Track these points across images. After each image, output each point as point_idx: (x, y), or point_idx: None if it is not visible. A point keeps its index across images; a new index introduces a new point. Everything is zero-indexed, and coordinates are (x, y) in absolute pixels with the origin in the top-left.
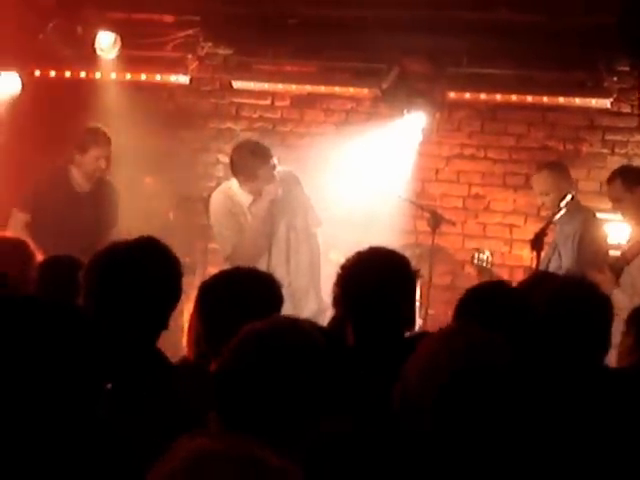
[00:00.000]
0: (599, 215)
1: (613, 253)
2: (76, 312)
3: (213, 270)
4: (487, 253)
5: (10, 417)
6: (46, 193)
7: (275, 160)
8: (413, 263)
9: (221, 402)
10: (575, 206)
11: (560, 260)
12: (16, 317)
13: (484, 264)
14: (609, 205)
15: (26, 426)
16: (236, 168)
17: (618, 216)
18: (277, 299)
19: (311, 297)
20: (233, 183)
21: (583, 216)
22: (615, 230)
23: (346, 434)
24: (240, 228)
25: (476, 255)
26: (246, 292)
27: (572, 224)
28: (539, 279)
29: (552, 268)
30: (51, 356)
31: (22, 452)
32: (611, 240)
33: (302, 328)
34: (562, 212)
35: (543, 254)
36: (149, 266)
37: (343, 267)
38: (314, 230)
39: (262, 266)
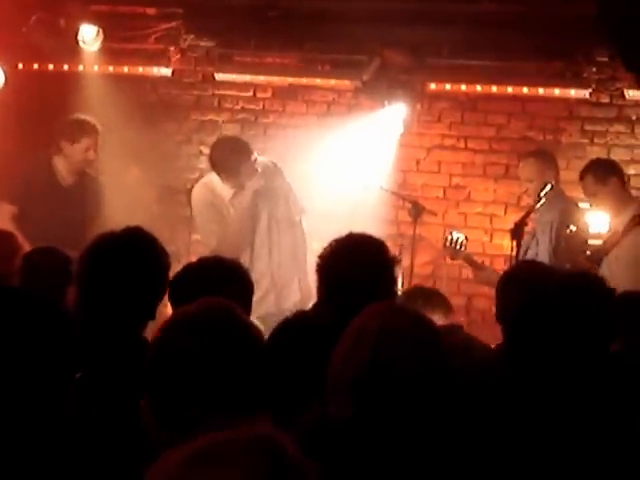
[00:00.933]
0: (580, 205)
1: (594, 242)
2: (45, 301)
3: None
4: (460, 236)
5: None
6: (32, 185)
7: (255, 154)
8: (391, 249)
9: (149, 385)
10: (556, 195)
11: (537, 248)
12: None
13: (457, 245)
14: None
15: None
16: (217, 166)
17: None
18: (245, 285)
19: (294, 287)
20: (214, 176)
21: (563, 205)
22: (595, 219)
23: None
24: (223, 221)
25: (449, 238)
26: (213, 281)
27: (551, 213)
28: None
29: (529, 256)
30: (17, 344)
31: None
32: (592, 230)
33: (226, 308)
34: (542, 201)
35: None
36: (137, 257)
37: (321, 255)
38: (297, 218)
39: (244, 258)
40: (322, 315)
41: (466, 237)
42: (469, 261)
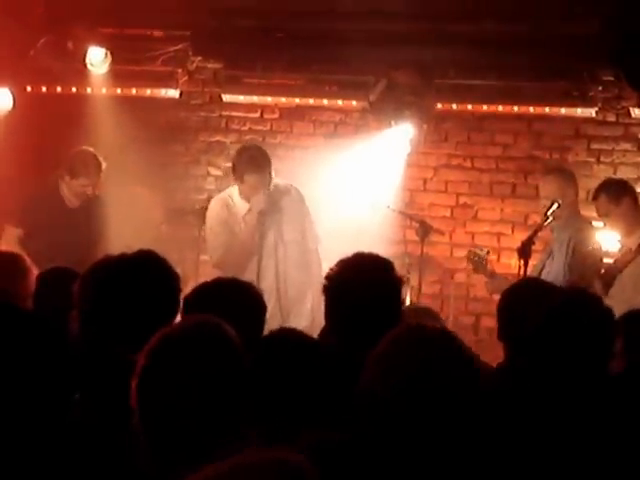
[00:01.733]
0: (594, 223)
1: (605, 261)
2: (46, 323)
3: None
4: (485, 250)
5: None
6: (38, 208)
7: (270, 174)
8: (398, 268)
9: (141, 405)
10: (573, 214)
11: (552, 266)
12: None
13: (482, 260)
14: (594, 213)
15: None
16: (232, 166)
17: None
18: (259, 307)
19: (303, 313)
20: (234, 191)
21: (579, 224)
22: (606, 238)
23: (332, 445)
24: (231, 238)
25: (475, 251)
26: (227, 302)
27: (568, 231)
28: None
29: (544, 274)
30: (16, 366)
31: None
32: (603, 248)
33: (212, 326)
34: (549, 220)
35: (537, 260)
36: (149, 280)
37: (327, 275)
38: (313, 246)
39: (251, 277)
40: (330, 341)
41: (488, 251)
42: (487, 274)
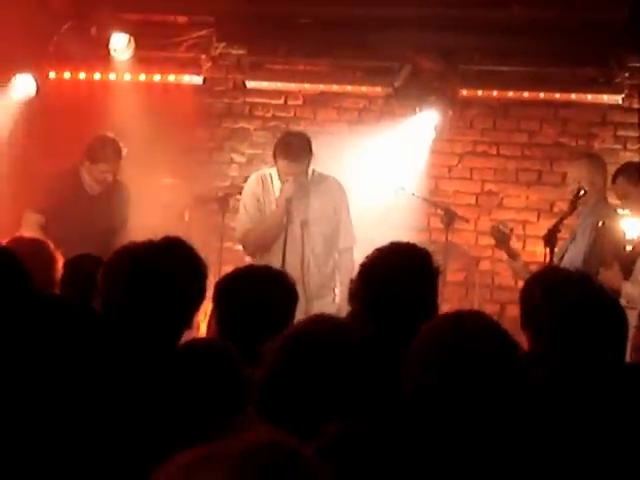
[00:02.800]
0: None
1: (628, 249)
2: (87, 310)
3: (227, 269)
4: (509, 227)
5: (17, 410)
6: (59, 195)
7: (306, 163)
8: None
9: (263, 402)
10: (600, 201)
11: (574, 249)
12: (24, 316)
13: (504, 236)
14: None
15: (32, 419)
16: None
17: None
18: (292, 297)
19: (326, 303)
20: (275, 170)
21: (605, 211)
22: (630, 225)
23: (361, 432)
24: (259, 214)
25: (499, 227)
26: (261, 290)
27: (593, 217)
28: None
29: (566, 257)
30: (58, 353)
31: (28, 447)
32: (627, 235)
33: (342, 329)
34: (575, 207)
35: (560, 246)
36: (177, 267)
37: (363, 264)
38: (346, 245)
39: (276, 260)
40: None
41: (511, 229)
42: (511, 253)
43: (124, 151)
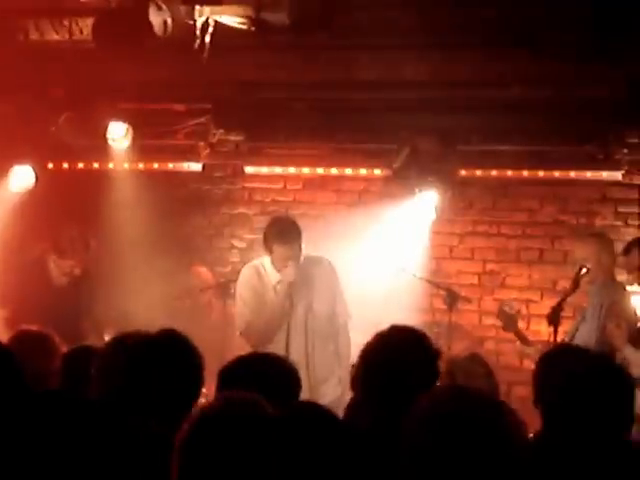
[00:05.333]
0: (629, 288)
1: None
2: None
3: (230, 355)
4: (515, 307)
5: None
6: (25, 287)
7: (300, 246)
8: (433, 340)
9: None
10: (607, 279)
11: (584, 328)
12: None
13: (512, 317)
14: (624, 276)
15: None
16: (263, 236)
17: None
18: (294, 384)
19: (331, 385)
20: (267, 259)
21: (614, 289)
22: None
23: None
24: (259, 306)
25: (503, 309)
26: (264, 377)
27: (601, 295)
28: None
29: (577, 336)
30: (67, 451)
31: None
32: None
33: (247, 403)
34: (578, 286)
35: (570, 325)
36: (172, 361)
37: (365, 350)
38: (342, 321)
39: (280, 347)
40: (360, 417)
41: (518, 310)
42: (520, 336)
43: (92, 244)
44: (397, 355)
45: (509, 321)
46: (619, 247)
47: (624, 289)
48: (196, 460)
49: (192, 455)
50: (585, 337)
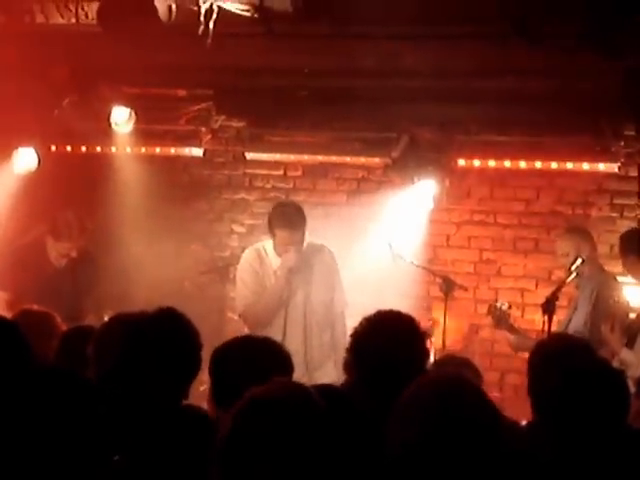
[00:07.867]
0: (619, 278)
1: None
2: (85, 383)
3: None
4: (506, 304)
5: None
6: (24, 269)
7: (304, 232)
8: (423, 324)
9: (225, 466)
10: (595, 269)
11: (576, 318)
12: (23, 389)
13: (503, 314)
14: (619, 268)
15: None
16: (267, 219)
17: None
18: (287, 368)
19: (327, 371)
20: (269, 243)
21: (603, 278)
22: (632, 293)
23: None
24: (259, 289)
25: (496, 305)
26: (256, 360)
27: (592, 285)
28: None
29: (571, 327)
30: (55, 426)
31: None
32: (631, 303)
33: (300, 392)
34: (573, 275)
35: (563, 315)
36: (170, 339)
37: (353, 334)
38: (339, 310)
39: (277, 332)
40: (357, 398)
41: (509, 306)
42: (512, 331)
43: (88, 227)
44: (386, 337)
45: (500, 319)
46: (615, 239)
47: (614, 279)
48: (243, 447)
49: (240, 441)
50: (578, 326)
